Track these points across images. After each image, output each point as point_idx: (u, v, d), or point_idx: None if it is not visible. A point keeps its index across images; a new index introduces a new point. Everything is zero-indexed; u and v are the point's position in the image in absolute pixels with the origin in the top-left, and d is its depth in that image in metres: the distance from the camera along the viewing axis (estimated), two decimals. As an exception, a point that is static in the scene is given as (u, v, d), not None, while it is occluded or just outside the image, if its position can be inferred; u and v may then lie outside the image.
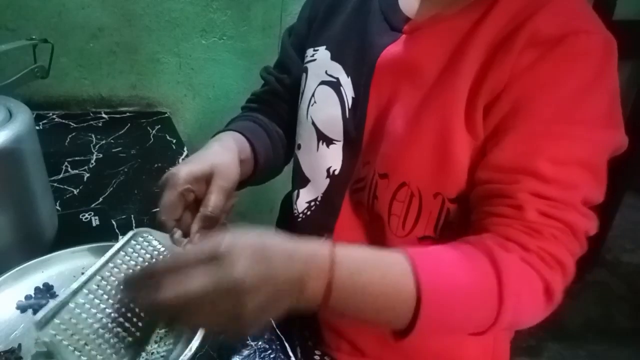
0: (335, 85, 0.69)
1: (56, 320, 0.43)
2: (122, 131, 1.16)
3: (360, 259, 0.48)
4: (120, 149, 1.08)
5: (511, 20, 0.54)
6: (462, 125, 0.56)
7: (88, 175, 0.96)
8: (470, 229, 0.56)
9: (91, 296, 0.46)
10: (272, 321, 0.66)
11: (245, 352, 0.61)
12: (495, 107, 0.54)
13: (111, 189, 0.92)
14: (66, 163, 0.99)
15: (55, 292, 0.63)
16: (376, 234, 0.66)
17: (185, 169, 0.56)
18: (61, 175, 0.95)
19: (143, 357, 0.50)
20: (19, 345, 0.55)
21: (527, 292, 0.50)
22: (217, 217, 0.56)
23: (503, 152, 0.53)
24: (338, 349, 0.72)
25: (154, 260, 0.53)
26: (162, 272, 0.40)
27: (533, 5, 0.54)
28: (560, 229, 0.51)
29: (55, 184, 0.90)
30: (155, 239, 0.54)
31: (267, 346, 0.62)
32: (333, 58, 0.70)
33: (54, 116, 1.18)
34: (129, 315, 0.48)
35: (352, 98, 0.67)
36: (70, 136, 1.10)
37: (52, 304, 0.44)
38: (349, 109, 0.67)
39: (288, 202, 0.80)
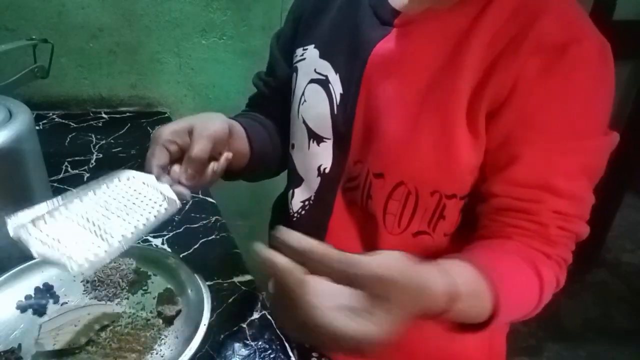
0: (324, 83, 0.69)
1: (29, 218, 0.46)
2: (122, 131, 1.16)
3: (471, 293, 0.47)
4: (120, 149, 1.08)
5: (511, 17, 0.54)
6: (464, 125, 0.56)
7: (88, 175, 0.96)
8: (482, 231, 0.60)
9: (68, 211, 0.48)
10: (273, 321, 0.66)
11: (245, 352, 0.61)
12: (502, 115, 0.55)
13: (111, 189, 0.92)
14: (66, 163, 0.99)
15: (55, 292, 0.63)
16: (370, 233, 0.66)
17: (168, 126, 0.59)
18: (61, 175, 0.95)
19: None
20: (19, 345, 0.55)
21: (549, 294, 0.56)
22: (203, 159, 0.57)
23: (521, 168, 0.55)
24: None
25: (139, 193, 0.54)
26: (313, 257, 0.37)
27: (531, 3, 0.54)
28: (570, 237, 0.57)
29: (55, 184, 0.90)
30: (141, 180, 0.56)
31: (267, 346, 0.62)
32: (322, 56, 0.70)
33: (54, 116, 1.18)
34: (105, 229, 0.49)
35: (340, 94, 0.67)
36: (70, 136, 1.11)
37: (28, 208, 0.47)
38: (337, 106, 0.67)
39: (282, 202, 0.81)
